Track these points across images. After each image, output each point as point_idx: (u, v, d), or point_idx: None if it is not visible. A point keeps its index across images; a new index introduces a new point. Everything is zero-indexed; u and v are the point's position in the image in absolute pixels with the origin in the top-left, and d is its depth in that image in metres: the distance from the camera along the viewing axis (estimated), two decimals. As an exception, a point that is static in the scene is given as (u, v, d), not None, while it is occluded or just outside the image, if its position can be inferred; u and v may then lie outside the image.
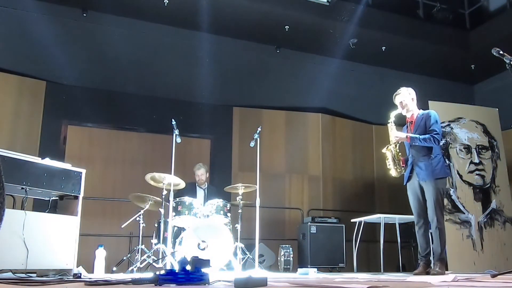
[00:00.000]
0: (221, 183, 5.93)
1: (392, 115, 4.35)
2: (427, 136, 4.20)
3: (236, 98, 7.49)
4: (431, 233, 4.22)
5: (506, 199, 6.03)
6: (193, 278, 2.18)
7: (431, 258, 4.25)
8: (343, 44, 7.14)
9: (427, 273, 4.05)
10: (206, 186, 5.95)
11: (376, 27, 7.07)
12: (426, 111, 4.44)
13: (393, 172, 4.31)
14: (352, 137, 7.99)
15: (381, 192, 7.85)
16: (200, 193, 5.86)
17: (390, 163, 4.31)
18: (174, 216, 4.92)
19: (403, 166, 4.33)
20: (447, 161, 5.84)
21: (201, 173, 5.86)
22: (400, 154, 4.34)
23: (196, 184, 5.89)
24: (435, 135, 4.19)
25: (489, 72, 7.86)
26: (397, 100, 4.43)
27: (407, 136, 4.26)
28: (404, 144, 4.42)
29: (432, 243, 4.20)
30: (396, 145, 4.30)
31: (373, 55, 7.59)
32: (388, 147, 4.30)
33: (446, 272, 4.11)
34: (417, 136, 4.22)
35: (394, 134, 4.29)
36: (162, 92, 6.96)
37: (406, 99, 4.39)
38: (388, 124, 4.36)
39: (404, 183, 4.41)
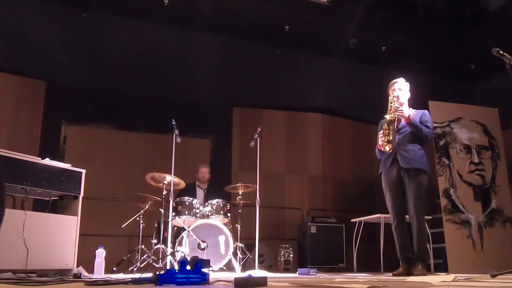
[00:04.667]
0: (221, 183, 5.93)
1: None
2: (426, 128, 4.04)
3: (236, 98, 7.49)
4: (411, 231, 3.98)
5: (506, 199, 6.02)
6: (193, 278, 2.18)
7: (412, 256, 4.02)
8: (343, 44, 7.14)
9: (408, 274, 3.83)
10: (206, 187, 5.96)
11: (376, 27, 7.06)
12: (420, 110, 4.23)
13: (386, 146, 3.99)
14: (352, 137, 7.99)
15: (381, 192, 7.79)
16: (200, 193, 5.87)
17: (386, 132, 3.98)
18: (174, 216, 4.92)
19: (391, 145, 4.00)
20: (447, 161, 5.84)
21: (205, 171, 5.95)
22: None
23: (197, 184, 5.90)
24: (431, 132, 4.08)
25: (489, 72, 7.85)
26: (394, 86, 4.16)
27: (409, 115, 4.00)
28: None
29: (413, 242, 3.98)
30: (394, 117, 3.99)
31: (373, 55, 7.58)
32: (390, 112, 4.01)
33: (447, 273, 4.07)
34: (418, 122, 4.01)
35: (397, 105, 4.01)
36: (162, 92, 6.96)
37: (403, 89, 4.13)
38: (389, 97, 4.11)
39: (380, 171, 4.18)
